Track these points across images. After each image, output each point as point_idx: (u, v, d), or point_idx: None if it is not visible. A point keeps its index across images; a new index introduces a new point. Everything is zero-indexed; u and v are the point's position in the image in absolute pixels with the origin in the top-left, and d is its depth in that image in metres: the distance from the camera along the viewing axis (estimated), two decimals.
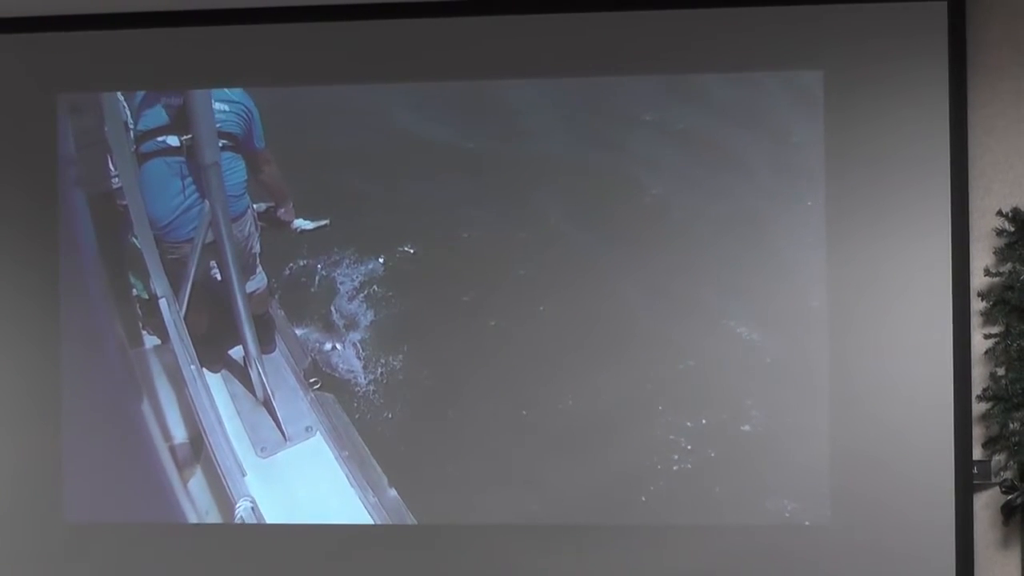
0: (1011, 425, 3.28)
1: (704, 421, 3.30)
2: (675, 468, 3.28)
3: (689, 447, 3.29)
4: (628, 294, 3.32)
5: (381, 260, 3.22)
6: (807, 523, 3.27)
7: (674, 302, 3.33)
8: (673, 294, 3.34)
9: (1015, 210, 3.33)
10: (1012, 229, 3.33)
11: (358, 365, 3.20)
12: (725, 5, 3.35)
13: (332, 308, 3.22)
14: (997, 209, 3.34)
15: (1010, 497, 3.27)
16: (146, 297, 3.19)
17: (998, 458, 3.31)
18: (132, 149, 3.19)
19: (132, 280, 3.21)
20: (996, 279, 3.31)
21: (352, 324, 3.21)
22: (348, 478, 3.15)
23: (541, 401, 3.28)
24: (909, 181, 3.32)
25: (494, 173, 3.30)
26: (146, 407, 3.16)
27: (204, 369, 3.19)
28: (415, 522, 3.18)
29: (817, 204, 3.32)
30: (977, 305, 3.33)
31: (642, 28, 3.34)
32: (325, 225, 3.17)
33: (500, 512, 3.23)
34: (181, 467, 3.14)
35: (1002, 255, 3.31)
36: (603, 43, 3.34)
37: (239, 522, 3.17)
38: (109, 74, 3.28)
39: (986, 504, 3.33)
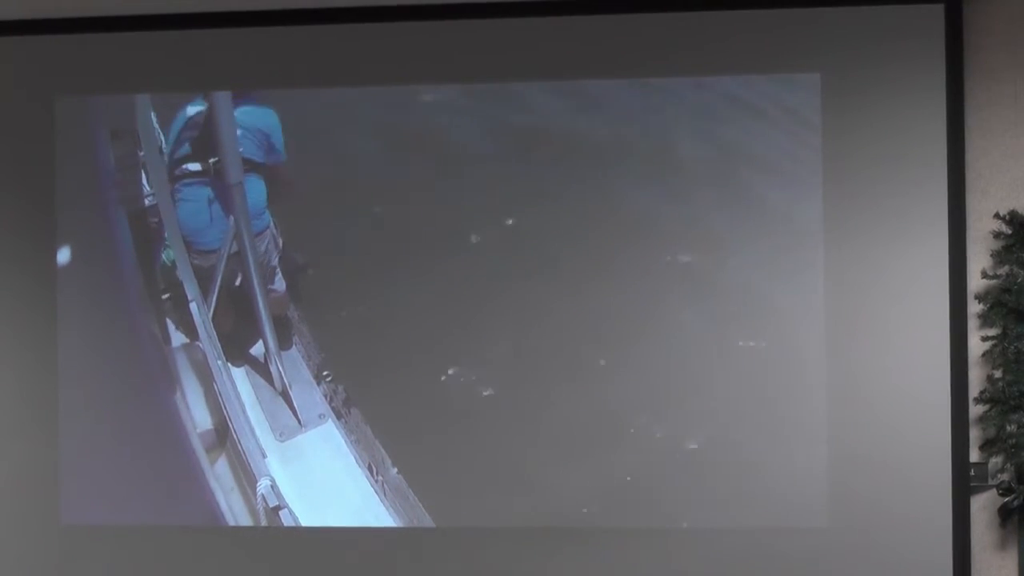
0: (1008, 427, 3.13)
1: (702, 424, 3.23)
2: (674, 471, 3.23)
3: (687, 450, 3.23)
4: (628, 302, 3.27)
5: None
6: (804, 526, 3.17)
7: (671, 306, 3.27)
8: (670, 298, 3.27)
9: (1012, 213, 3.18)
10: (1009, 232, 3.18)
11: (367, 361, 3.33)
12: (722, 8, 3.26)
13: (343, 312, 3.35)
14: (994, 212, 3.20)
15: (1007, 499, 3.13)
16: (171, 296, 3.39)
17: (995, 460, 3.17)
18: (166, 170, 3.38)
19: (161, 285, 3.41)
20: (993, 282, 3.17)
21: None
22: (356, 459, 3.32)
23: (539, 399, 3.27)
24: (906, 184, 3.19)
25: (502, 184, 3.32)
26: (178, 398, 3.35)
27: (229, 364, 3.37)
28: (415, 497, 3.28)
29: (814, 206, 3.22)
30: (974, 308, 3.20)
31: (639, 32, 3.28)
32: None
33: (496, 500, 3.25)
34: (209, 450, 3.33)
35: (999, 258, 3.18)
36: (601, 47, 3.28)
37: (259, 501, 3.31)
38: (108, 77, 3.39)
39: (983, 506, 3.20)
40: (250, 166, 3.36)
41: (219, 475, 3.34)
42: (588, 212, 3.32)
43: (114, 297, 3.38)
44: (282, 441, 3.38)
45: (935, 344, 3.19)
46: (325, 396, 3.36)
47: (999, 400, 3.16)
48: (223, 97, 3.35)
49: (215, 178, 3.36)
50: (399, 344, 3.33)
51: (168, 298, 3.40)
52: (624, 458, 3.26)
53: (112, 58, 3.40)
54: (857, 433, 3.20)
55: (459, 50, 3.33)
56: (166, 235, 3.38)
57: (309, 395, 3.37)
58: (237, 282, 3.39)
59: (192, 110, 3.38)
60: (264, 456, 3.35)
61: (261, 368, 3.40)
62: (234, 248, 3.36)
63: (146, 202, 3.39)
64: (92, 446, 3.37)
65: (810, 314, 3.24)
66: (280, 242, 3.39)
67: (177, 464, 3.33)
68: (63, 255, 3.41)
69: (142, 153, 3.40)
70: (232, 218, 3.35)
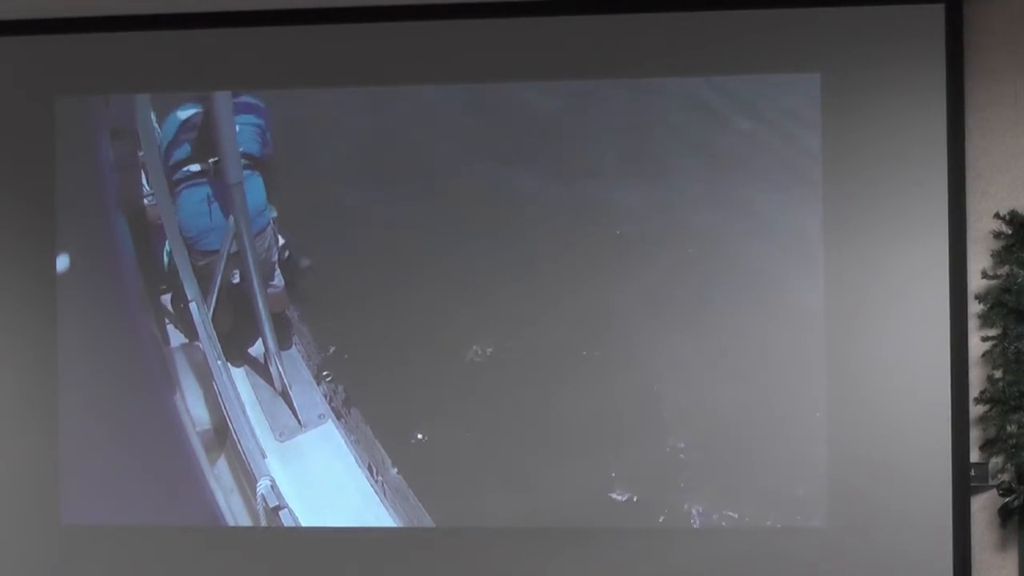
0: (1008, 428, 3.12)
1: (702, 425, 3.22)
2: (673, 471, 3.22)
3: (687, 451, 3.22)
4: (627, 301, 3.26)
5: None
6: (804, 526, 3.16)
7: (671, 306, 3.26)
8: (670, 298, 3.26)
9: (1012, 213, 3.16)
10: (1009, 232, 3.16)
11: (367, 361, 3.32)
12: (721, 8, 3.25)
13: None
14: (994, 212, 3.18)
15: (1007, 499, 3.12)
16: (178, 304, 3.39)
17: (995, 460, 3.16)
18: (165, 170, 3.37)
19: (161, 285, 3.39)
20: (993, 282, 3.16)
21: None
22: (356, 459, 3.31)
23: (538, 401, 3.26)
24: (906, 184, 3.18)
25: (500, 184, 3.31)
26: (178, 398, 3.34)
27: (229, 364, 3.36)
28: (415, 497, 3.28)
29: (814, 207, 3.21)
30: (974, 308, 3.18)
31: (638, 32, 3.26)
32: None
33: (496, 500, 3.24)
34: (209, 450, 3.32)
35: (999, 258, 3.16)
36: (599, 47, 3.27)
37: (259, 501, 3.30)
38: (108, 77, 3.38)
39: (983, 506, 3.18)
40: (249, 161, 3.34)
41: (219, 475, 3.33)
42: (585, 212, 3.31)
43: (114, 297, 3.37)
44: (282, 441, 3.37)
45: (935, 344, 3.17)
46: (325, 396, 3.35)
47: (999, 400, 3.15)
48: (223, 97, 3.34)
49: (215, 178, 3.35)
50: (399, 345, 3.32)
51: (168, 298, 3.39)
52: (624, 458, 3.25)
53: (112, 58, 3.39)
54: (857, 433, 3.18)
55: (458, 50, 3.32)
56: (166, 235, 3.38)
57: (309, 395, 3.36)
58: (235, 279, 3.38)
59: (183, 114, 3.37)
60: (264, 456, 3.34)
61: (261, 368, 3.39)
62: (234, 248, 3.35)
63: (146, 202, 3.39)
64: (92, 446, 3.35)
65: (810, 314, 3.22)
66: (280, 239, 3.39)
67: (177, 464, 3.32)
68: (63, 255, 3.39)
69: (142, 153, 3.39)
70: (232, 218, 3.35)
